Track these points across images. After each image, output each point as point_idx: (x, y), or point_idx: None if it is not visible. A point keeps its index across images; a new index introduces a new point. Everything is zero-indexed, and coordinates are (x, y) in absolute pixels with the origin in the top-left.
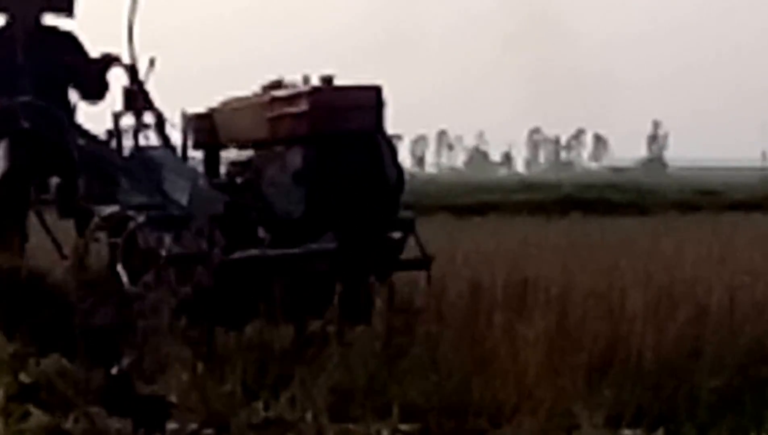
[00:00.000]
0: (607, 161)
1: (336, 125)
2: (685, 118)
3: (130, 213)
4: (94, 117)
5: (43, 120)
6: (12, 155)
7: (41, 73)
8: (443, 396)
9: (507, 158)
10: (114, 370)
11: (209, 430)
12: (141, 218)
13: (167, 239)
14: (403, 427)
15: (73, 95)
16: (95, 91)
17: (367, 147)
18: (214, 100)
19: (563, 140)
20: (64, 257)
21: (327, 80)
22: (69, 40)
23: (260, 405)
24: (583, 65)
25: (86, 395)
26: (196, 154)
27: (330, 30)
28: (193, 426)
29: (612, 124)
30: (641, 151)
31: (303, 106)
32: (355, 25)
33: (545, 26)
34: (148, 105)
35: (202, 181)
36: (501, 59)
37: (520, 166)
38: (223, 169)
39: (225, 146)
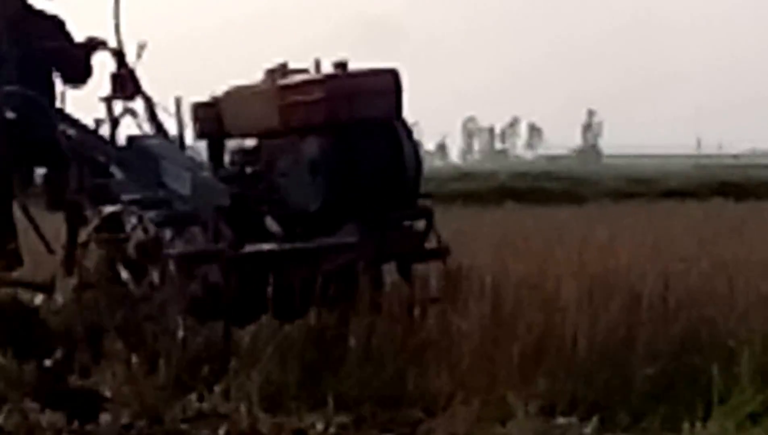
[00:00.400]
0: (542, 150)
1: (354, 113)
2: (619, 106)
3: (133, 210)
4: (80, 107)
5: (28, 109)
6: None
7: (25, 59)
8: (378, 387)
9: (442, 148)
10: (47, 364)
11: (142, 423)
12: (150, 216)
13: (172, 235)
14: (337, 418)
15: (60, 83)
16: (79, 75)
17: (386, 135)
18: (207, 88)
19: (498, 129)
20: (51, 252)
21: (342, 65)
22: (54, 23)
23: (194, 398)
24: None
25: (19, 389)
26: (195, 144)
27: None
28: (126, 419)
29: (547, 113)
30: (576, 140)
31: (318, 94)
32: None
33: None
34: (138, 91)
35: (204, 172)
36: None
37: (455, 156)
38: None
39: (230, 136)
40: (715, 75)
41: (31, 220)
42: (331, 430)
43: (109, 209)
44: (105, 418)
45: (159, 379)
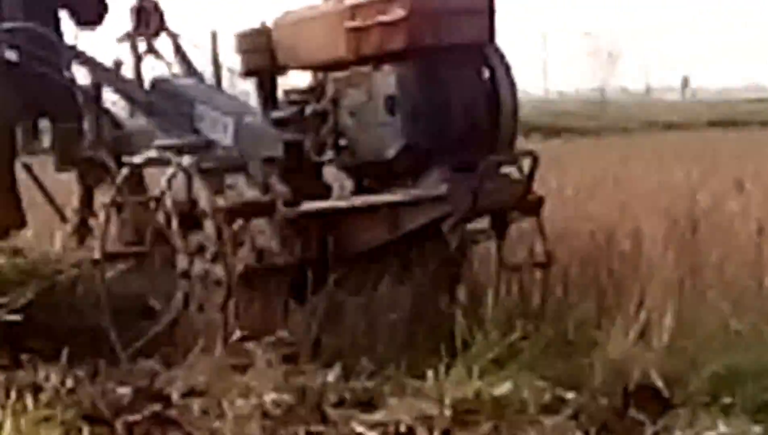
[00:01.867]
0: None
1: (440, 36)
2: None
3: (170, 156)
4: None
5: (34, 47)
6: None
7: None
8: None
9: None
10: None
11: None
12: (187, 161)
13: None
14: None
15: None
16: (93, 14)
17: (478, 64)
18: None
19: None
20: (64, 220)
21: None
22: None
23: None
24: None
25: None
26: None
27: None
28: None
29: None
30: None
31: (397, 13)
32: None
33: None
34: (163, 27)
35: (249, 116)
36: None
37: None
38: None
39: (285, 70)
40: None
41: (37, 181)
42: (68, 382)
43: (139, 158)
44: None
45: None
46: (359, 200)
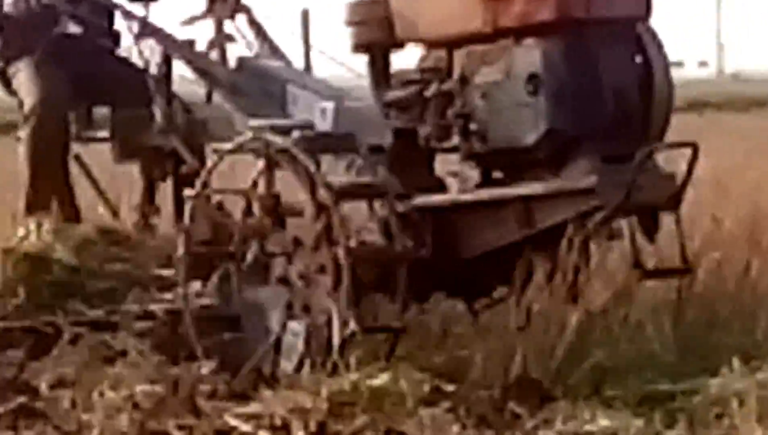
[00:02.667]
0: None
1: (593, 9)
2: None
3: (270, 137)
4: None
5: (97, 21)
6: (48, 76)
7: None
8: None
9: None
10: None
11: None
12: (295, 136)
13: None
14: None
15: None
16: None
17: (631, 42)
18: None
19: None
20: (116, 215)
21: None
22: None
23: None
24: None
25: None
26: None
27: None
28: None
29: None
30: None
31: None
32: None
33: None
34: (239, 5)
35: (350, 101)
36: None
37: None
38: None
39: (404, 44)
40: None
41: (88, 173)
42: None
43: (234, 143)
44: None
45: None
46: (487, 193)
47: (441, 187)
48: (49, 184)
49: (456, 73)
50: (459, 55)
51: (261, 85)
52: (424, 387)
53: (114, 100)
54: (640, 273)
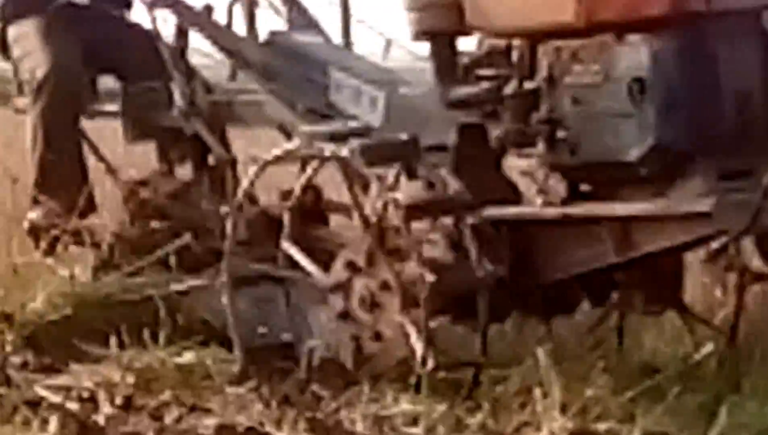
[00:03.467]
0: None
1: (715, 1)
2: None
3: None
4: None
5: None
6: (60, 41)
7: None
8: None
9: None
10: None
11: None
12: (354, 145)
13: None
14: None
15: None
16: None
17: (756, 38)
18: None
19: None
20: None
21: None
22: None
23: None
24: None
25: None
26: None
27: None
28: None
29: None
30: None
31: None
32: None
33: None
34: None
35: (407, 89)
36: None
37: None
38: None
39: (472, 33)
40: None
41: (96, 151)
42: None
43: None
44: None
45: None
46: (580, 209)
47: (515, 194)
48: (64, 163)
49: (541, 72)
50: (547, 52)
51: (297, 66)
52: (233, 367)
53: (124, 70)
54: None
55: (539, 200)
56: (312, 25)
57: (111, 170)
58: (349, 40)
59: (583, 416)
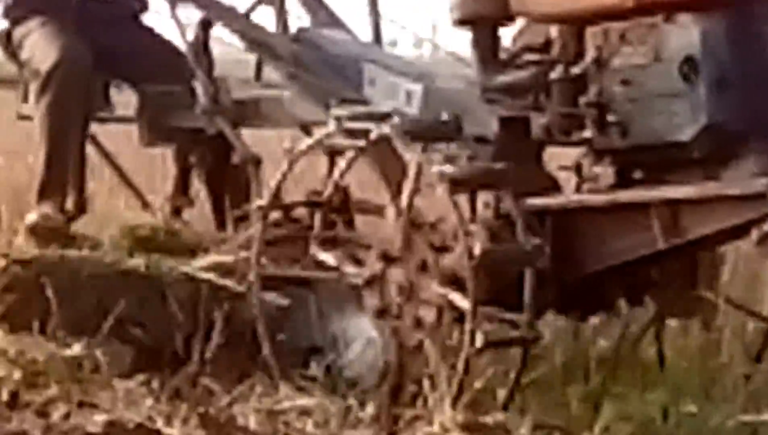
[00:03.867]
0: None
1: None
2: None
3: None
4: None
5: None
6: (68, 38)
7: None
8: None
9: None
10: None
11: None
12: (394, 121)
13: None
14: None
15: None
16: None
17: None
18: None
19: None
20: (146, 206)
21: None
22: None
23: None
24: None
25: None
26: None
27: None
28: None
29: None
30: None
31: None
32: None
33: None
34: None
35: (441, 80)
36: None
37: None
38: None
39: (511, 20)
40: None
41: (107, 156)
42: None
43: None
44: None
45: None
46: (626, 195)
47: (555, 186)
48: (67, 166)
49: (589, 55)
50: (594, 35)
51: (329, 61)
52: (125, 360)
53: (137, 78)
54: None
55: (585, 187)
56: (338, 24)
57: (127, 181)
58: (379, 37)
59: (473, 408)
